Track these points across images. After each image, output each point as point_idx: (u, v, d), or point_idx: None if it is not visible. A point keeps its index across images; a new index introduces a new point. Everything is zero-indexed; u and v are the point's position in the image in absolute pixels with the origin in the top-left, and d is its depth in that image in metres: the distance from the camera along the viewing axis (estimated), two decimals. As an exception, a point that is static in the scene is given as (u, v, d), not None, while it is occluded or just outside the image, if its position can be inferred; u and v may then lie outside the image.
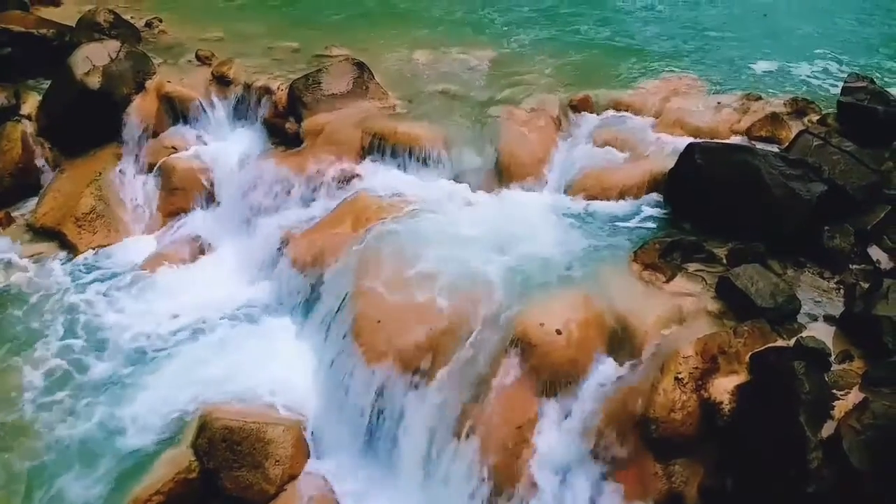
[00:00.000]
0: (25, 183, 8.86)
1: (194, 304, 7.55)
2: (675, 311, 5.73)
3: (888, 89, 7.81)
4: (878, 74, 8.50)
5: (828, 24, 10.68)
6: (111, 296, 7.71)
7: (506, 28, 10.45)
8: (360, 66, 8.67)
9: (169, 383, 6.65)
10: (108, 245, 8.40)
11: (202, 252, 8.21)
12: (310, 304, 6.99)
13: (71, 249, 8.31)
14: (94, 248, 8.33)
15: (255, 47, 9.67)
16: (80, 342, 7.18)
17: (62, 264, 8.15)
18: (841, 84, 7.79)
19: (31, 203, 8.80)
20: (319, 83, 8.43)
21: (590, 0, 11.36)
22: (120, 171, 8.75)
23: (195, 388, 6.53)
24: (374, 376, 6.05)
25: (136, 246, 8.39)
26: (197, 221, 8.43)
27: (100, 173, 8.68)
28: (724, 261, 6.13)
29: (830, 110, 7.70)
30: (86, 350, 7.10)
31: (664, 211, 6.94)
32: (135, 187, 8.70)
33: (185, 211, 8.53)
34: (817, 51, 9.63)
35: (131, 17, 10.31)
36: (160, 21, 10.39)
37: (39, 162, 8.94)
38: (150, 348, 7.11)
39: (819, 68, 9.15)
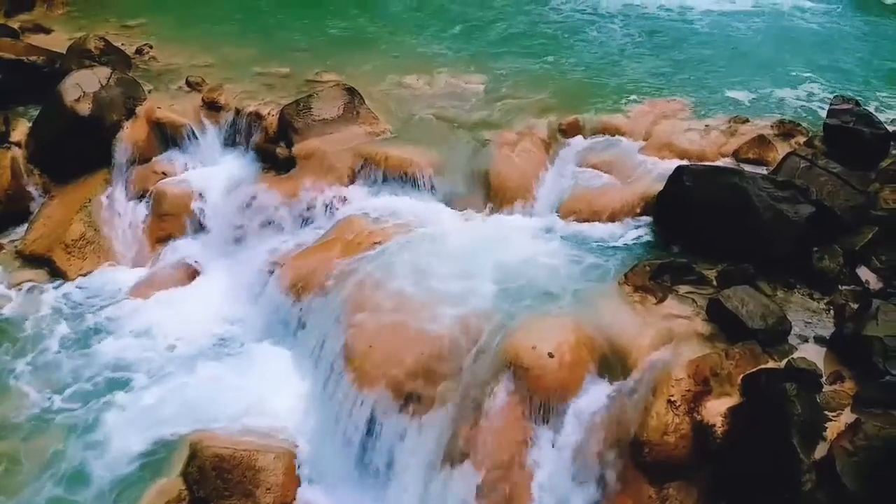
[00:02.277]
0: (15, 210, 8.82)
1: (184, 329, 7.51)
2: (667, 333, 5.75)
3: (872, 109, 7.96)
4: (862, 97, 8.58)
5: (810, 50, 10.83)
6: (100, 323, 7.66)
7: (494, 54, 10.54)
8: (351, 92, 8.71)
9: (158, 411, 6.59)
10: (98, 271, 8.34)
11: (192, 277, 8.17)
12: (300, 330, 6.96)
13: (60, 276, 8.24)
14: (83, 275, 8.27)
15: (246, 73, 9.71)
16: (67, 370, 7.12)
17: (51, 291, 8.07)
18: (826, 106, 7.88)
19: (21, 230, 8.74)
20: (310, 108, 8.47)
21: (575, 29, 11.48)
22: (110, 197, 8.71)
23: (184, 416, 6.48)
24: (365, 402, 6.01)
25: (126, 272, 8.34)
26: (187, 247, 8.40)
27: (90, 199, 8.65)
28: (715, 282, 6.16)
29: (817, 132, 7.78)
30: (73, 378, 7.03)
31: (654, 233, 6.97)
32: (125, 213, 8.66)
33: (176, 236, 8.49)
34: (802, 75, 9.75)
35: (122, 44, 10.32)
36: (151, 48, 10.41)
37: (29, 189, 8.91)
38: (138, 375, 7.04)
39: (804, 92, 9.25)
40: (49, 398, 6.84)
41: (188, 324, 7.56)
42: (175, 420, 6.47)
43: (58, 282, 8.22)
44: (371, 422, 5.99)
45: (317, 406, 6.42)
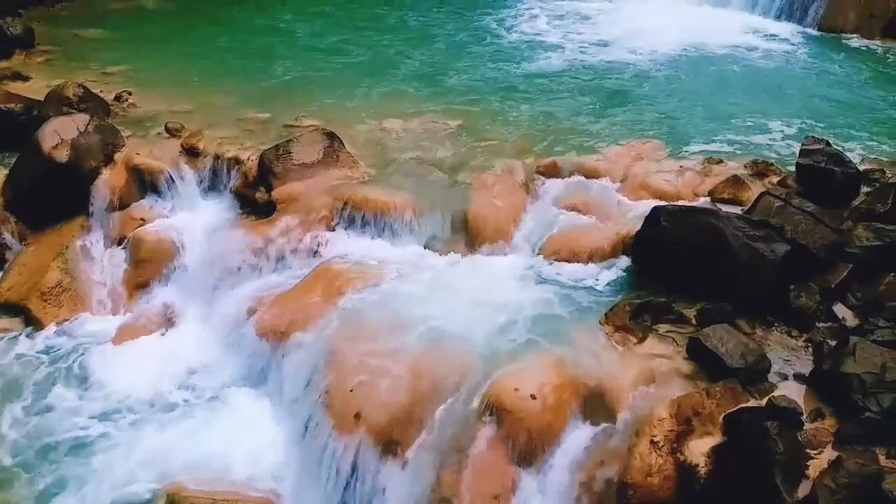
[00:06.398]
0: (-10, 258, 8.73)
1: (162, 377, 7.39)
2: (648, 373, 5.77)
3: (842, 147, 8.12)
4: (833, 137, 8.75)
5: (780, 92, 11.11)
6: (74, 372, 7.49)
7: (471, 99, 10.68)
8: (331, 136, 8.76)
9: (135, 461, 6.44)
10: (74, 319, 8.21)
11: (170, 325, 8.06)
12: (280, 376, 6.87)
13: (35, 325, 8.10)
14: (59, 324, 8.13)
15: (226, 118, 9.74)
16: (38, 421, 6.95)
17: (25, 340, 7.91)
18: (798, 146, 8.03)
19: (-4, 279, 8.64)
20: (290, 153, 8.50)
21: (550, 76, 11.67)
22: (87, 244, 8.62)
23: (162, 466, 6.35)
24: (347, 448, 5.94)
25: (103, 320, 8.21)
26: (165, 294, 8.30)
27: (67, 247, 8.55)
28: (694, 321, 6.20)
29: (790, 172, 7.91)
30: (45, 430, 6.86)
31: (633, 273, 7.02)
32: (102, 260, 8.57)
33: (154, 283, 8.38)
34: (773, 116, 9.96)
35: (101, 91, 10.34)
36: (130, 94, 10.43)
37: (5, 237, 8.79)
38: (114, 425, 6.90)
39: (776, 132, 9.44)
40: (20, 451, 6.67)
41: (166, 371, 7.43)
42: (152, 471, 6.32)
43: (32, 330, 8.06)
44: (353, 468, 5.91)
45: (297, 453, 6.33)
